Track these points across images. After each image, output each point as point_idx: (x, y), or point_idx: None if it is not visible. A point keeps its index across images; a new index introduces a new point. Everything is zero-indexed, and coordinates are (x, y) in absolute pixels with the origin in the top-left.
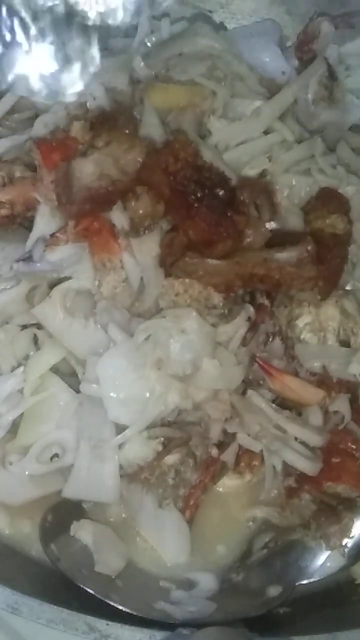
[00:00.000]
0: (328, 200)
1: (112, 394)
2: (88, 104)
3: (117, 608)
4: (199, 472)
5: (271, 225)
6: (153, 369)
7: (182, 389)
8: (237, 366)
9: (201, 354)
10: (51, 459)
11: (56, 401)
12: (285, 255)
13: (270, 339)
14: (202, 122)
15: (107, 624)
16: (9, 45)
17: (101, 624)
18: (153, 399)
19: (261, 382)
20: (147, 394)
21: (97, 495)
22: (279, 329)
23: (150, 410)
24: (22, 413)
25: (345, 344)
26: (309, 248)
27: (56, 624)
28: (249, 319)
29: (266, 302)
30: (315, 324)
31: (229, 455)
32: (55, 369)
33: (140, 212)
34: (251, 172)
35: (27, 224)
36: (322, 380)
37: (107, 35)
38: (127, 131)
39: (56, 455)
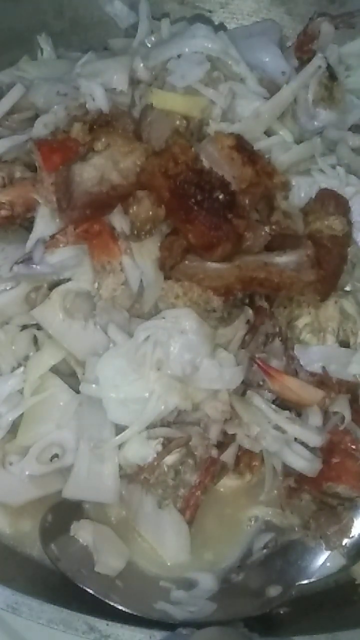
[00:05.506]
0: (327, 201)
1: (111, 395)
2: (87, 105)
3: (117, 608)
4: (199, 473)
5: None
6: (153, 369)
7: (181, 390)
8: (236, 367)
9: (201, 354)
10: (51, 459)
11: (56, 401)
12: (285, 259)
13: (270, 340)
14: (202, 127)
15: (107, 624)
16: None
17: (101, 624)
18: (153, 399)
19: (261, 382)
20: (147, 394)
21: (96, 496)
22: (278, 329)
23: (150, 411)
24: (22, 413)
25: (344, 344)
26: (308, 252)
27: (56, 624)
28: (248, 321)
29: (265, 304)
30: (314, 325)
31: (228, 456)
32: (55, 370)
33: (142, 216)
34: None
35: (27, 225)
36: (322, 381)
37: (107, 35)
38: (126, 134)
39: (56, 455)
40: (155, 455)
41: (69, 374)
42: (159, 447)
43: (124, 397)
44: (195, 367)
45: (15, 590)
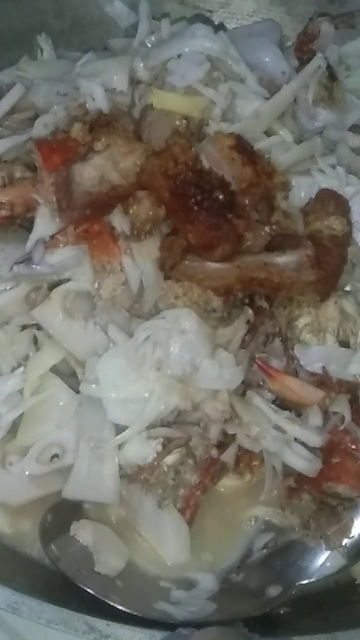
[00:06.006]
0: (327, 201)
1: (111, 395)
2: (87, 105)
3: (117, 608)
4: (199, 473)
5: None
6: (153, 369)
7: (181, 390)
8: (236, 367)
9: (201, 354)
10: (51, 459)
11: (56, 401)
12: (285, 259)
13: (270, 340)
14: (202, 128)
15: (107, 624)
16: None
17: (101, 624)
18: (153, 399)
19: (261, 383)
20: (147, 394)
21: (96, 496)
22: (278, 330)
23: (150, 411)
24: (22, 413)
25: (344, 344)
26: (308, 252)
27: (56, 624)
28: (248, 321)
29: (265, 304)
30: (314, 325)
31: (228, 456)
32: (55, 370)
33: (142, 216)
34: None
35: (27, 225)
36: (322, 381)
37: (107, 35)
38: (126, 135)
39: (56, 455)
40: (155, 455)
41: (69, 374)
42: (159, 447)
43: (124, 397)
44: (195, 367)
45: (15, 590)
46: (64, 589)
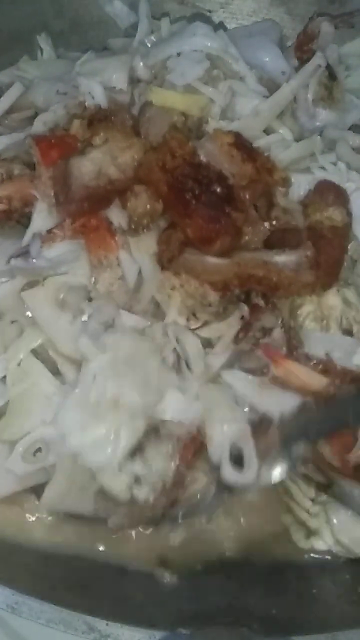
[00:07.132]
0: (326, 192)
1: (80, 442)
2: (87, 103)
3: (117, 608)
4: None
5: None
6: (109, 409)
7: (145, 413)
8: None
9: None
10: (34, 453)
11: (40, 392)
12: (284, 259)
13: (267, 335)
14: (201, 126)
15: (107, 624)
16: None
17: (101, 624)
18: (120, 437)
19: (265, 370)
20: (112, 436)
21: (75, 508)
22: (281, 320)
23: (119, 449)
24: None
25: (347, 332)
26: (308, 253)
27: (56, 624)
28: (242, 317)
29: (261, 302)
30: (317, 313)
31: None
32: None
33: (139, 210)
34: None
35: (25, 221)
36: (326, 369)
37: (107, 35)
38: (125, 130)
39: (39, 449)
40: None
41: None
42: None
43: (92, 441)
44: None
45: (15, 590)
46: (64, 589)
